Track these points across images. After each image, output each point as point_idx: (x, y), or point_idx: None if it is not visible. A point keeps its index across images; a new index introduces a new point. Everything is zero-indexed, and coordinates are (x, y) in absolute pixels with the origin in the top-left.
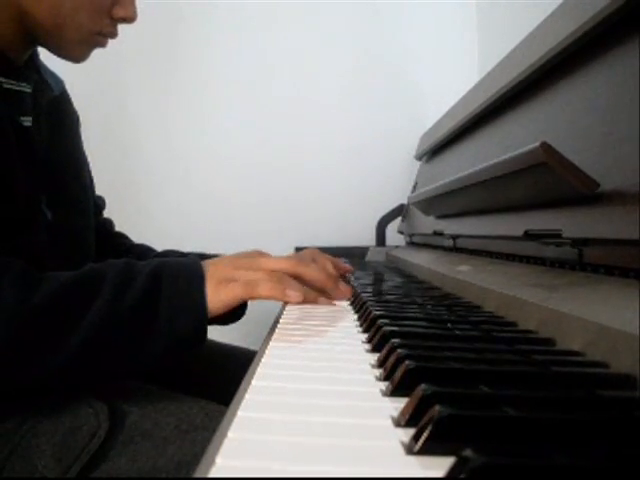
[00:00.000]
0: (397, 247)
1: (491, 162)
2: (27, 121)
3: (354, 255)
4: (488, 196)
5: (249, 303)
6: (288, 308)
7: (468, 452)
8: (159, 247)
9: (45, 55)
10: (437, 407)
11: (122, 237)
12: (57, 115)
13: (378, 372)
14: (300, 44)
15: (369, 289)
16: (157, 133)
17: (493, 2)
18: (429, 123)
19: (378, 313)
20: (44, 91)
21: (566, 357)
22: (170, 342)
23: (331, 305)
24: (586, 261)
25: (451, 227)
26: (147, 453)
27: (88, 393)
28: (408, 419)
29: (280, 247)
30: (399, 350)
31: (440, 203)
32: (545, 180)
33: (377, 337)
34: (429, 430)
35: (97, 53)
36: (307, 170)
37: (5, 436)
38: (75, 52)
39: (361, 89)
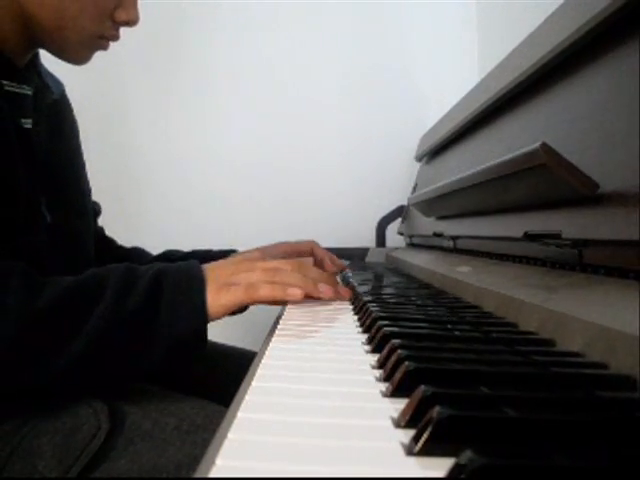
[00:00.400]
0: (397, 248)
1: (491, 163)
2: (28, 123)
3: (354, 256)
4: (488, 197)
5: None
6: (288, 308)
7: (468, 453)
8: (159, 247)
9: (46, 56)
10: (437, 408)
11: (113, 242)
12: (57, 118)
13: (378, 373)
14: (300, 45)
15: (369, 290)
16: (157, 133)
17: (493, 2)
18: (429, 124)
19: (378, 314)
20: (45, 94)
21: (566, 358)
22: (171, 346)
23: (331, 306)
24: (586, 262)
25: (451, 228)
26: (147, 453)
27: (88, 393)
28: (408, 420)
29: None
30: (399, 351)
31: (440, 204)
32: (545, 181)
33: (377, 338)
34: (429, 431)
35: (97, 53)
36: (307, 171)
37: (5, 437)
38: (77, 55)
39: (361, 90)
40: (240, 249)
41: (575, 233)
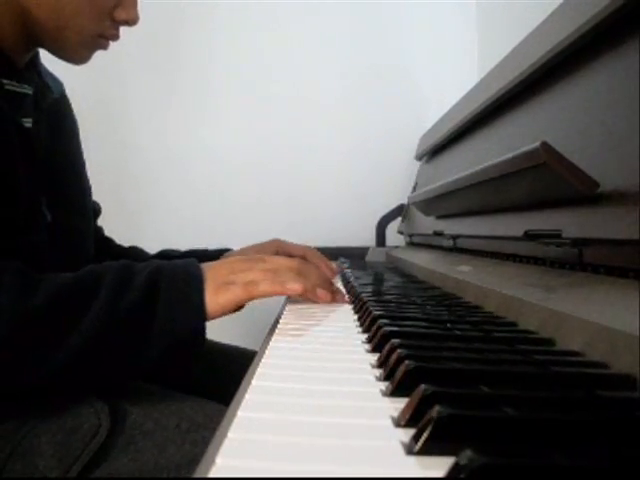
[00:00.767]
0: (397, 247)
1: (491, 162)
2: (28, 122)
3: (354, 255)
4: (488, 196)
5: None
6: (288, 308)
7: (468, 452)
8: (159, 247)
9: (46, 56)
10: (437, 407)
11: (112, 241)
12: (57, 118)
13: (378, 372)
14: (301, 44)
15: (369, 289)
16: (157, 133)
17: (493, 2)
18: (429, 123)
19: (378, 313)
20: (45, 93)
21: (566, 357)
22: (169, 345)
23: (331, 305)
24: (586, 261)
25: (451, 227)
26: (148, 453)
27: (89, 393)
28: (408, 419)
29: None
30: (399, 350)
31: (440, 203)
32: (545, 180)
33: (377, 337)
34: (429, 430)
35: (97, 53)
36: (307, 170)
37: (6, 436)
38: (76, 54)
39: (361, 89)
40: (240, 247)
41: (575, 232)
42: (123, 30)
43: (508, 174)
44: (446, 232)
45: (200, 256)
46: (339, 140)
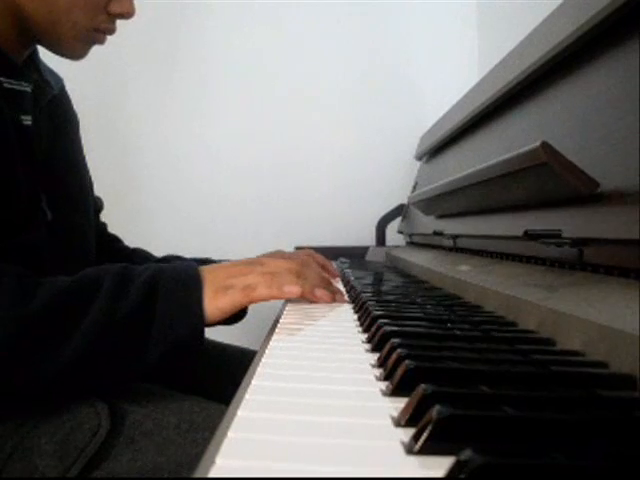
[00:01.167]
0: (397, 247)
1: (491, 162)
2: (27, 120)
3: (354, 255)
4: (488, 196)
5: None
6: (288, 308)
7: (468, 452)
8: (158, 246)
9: (47, 54)
10: (437, 407)
11: (117, 241)
12: (57, 114)
13: (378, 372)
14: (301, 43)
15: (369, 289)
16: (156, 133)
17: (493, 2)
18: (429, 123)
19: (378, 313)
20: (44, 90)
21: (566, 357)
22: (166, 349)
23: (331, 305)
24: (586, 261)
25: (451, 227)
26: (148, 453)
27: (89, 393)
28: (408, 419)
29: (280, 247)
30: (399, 350)
31: (440, 203)
32: (545, 180)
33: (377, 337)
34: (429, 430)
35: (96, 54)
36: (307, 170)
37: (6, 436)
38: (72, 49)
39: (361, 89)
40: (240, 248)
41: (575, 232)
42: (122, 30)
43: (508, 174)
44: (446, 232)
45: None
46: (339, 140)
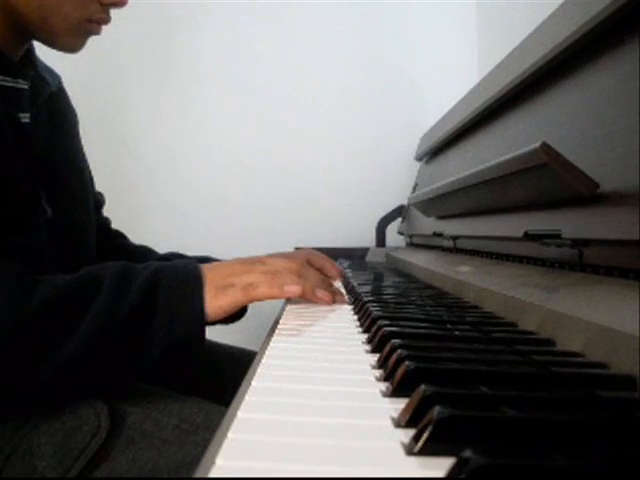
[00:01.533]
0: (397, 248)
1: (491, 163)
2: (25, 117)
3: (354, 256)
4: (488, 197)
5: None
6: (288, 308)
7: (468, 453)
8: (158, 246)
9: (44, 52)
10: (437, 408)
11: (122, 237)
12: (55, 111)
13: (378, 373)
14: (300, 45)
15: (369, 290)
16: (155, 134)
17: (493, 2)
18: (429, 124)
19: (378, 314)
20: (42, 87)
21: (566, 358)
22: (167, 348)
23: (331, 306)
24: (586, 262)
25: (451, 228)
26: (147, 453)
27: (89, 393)
28: (408, 420)
29: (280, 247)
30: (399, 350)
31: (440, 204)
32: (545, 181)
33: (377, 338)
34: (429, 431)
35: (95, 53)
36: (307, 171)
37: (5, 436)
38: (67, 42)
39: (361, 90)
40: (240, 248)
41: (575, 233)
42: (122, 30)
43: (508, 174)
44: (446, 233)
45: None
46: (339, 140)
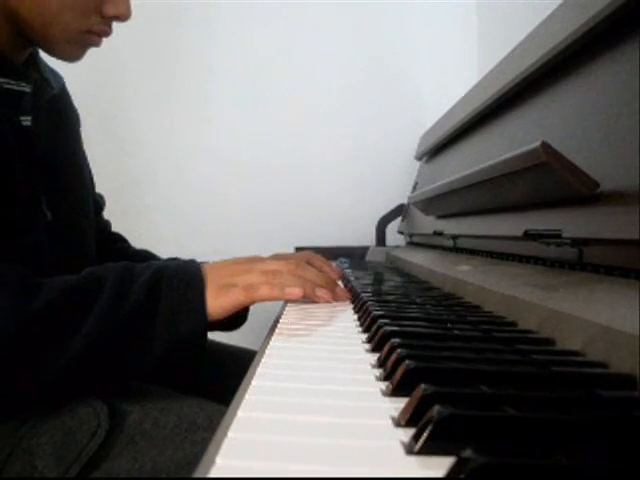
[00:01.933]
0: (397, 247)
1: (491, 162)
2: (27, 120)
3: (354, 255)
4: (488, 196)
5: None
6: (288, 308)
7: (468, 452)
8: (157, 247)
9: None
10: (437, 407)
11: (122, 241)
12: (57, 113)
13: (378, 372)
14: (301, 45)
15: (369, 289)
16: (157, 134)
17: (493, 2)
18: (429, 123)
19: (378, 313)
20: (44, 89)
21: (566, 357)
22: (169, 347)
23: (331, 305)
24: (586, 261)
25: (451, 227)
26: (147, 453)
27: (88, 393)
28: (408, 419)
29: (280, 247)
30: (399, 350)
31: (440, 203)
32: (545, 180)
33: (377, 337)
34: (429, 430)
35: (96, 53)
36: (307, 170)
37: (5, 436)
38: (66, 51)
39: (361, 89)
40: (240, 248)
41: (575, 232)
42: (122, 29)
43: (508, 174)
44: (446, 232)
45: None
46: (339, 140)
